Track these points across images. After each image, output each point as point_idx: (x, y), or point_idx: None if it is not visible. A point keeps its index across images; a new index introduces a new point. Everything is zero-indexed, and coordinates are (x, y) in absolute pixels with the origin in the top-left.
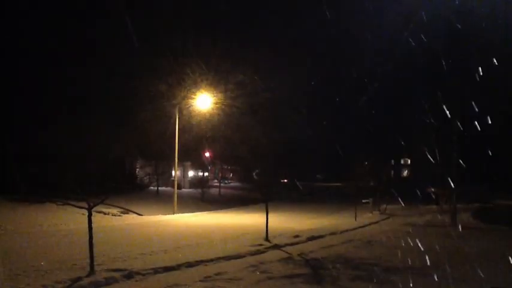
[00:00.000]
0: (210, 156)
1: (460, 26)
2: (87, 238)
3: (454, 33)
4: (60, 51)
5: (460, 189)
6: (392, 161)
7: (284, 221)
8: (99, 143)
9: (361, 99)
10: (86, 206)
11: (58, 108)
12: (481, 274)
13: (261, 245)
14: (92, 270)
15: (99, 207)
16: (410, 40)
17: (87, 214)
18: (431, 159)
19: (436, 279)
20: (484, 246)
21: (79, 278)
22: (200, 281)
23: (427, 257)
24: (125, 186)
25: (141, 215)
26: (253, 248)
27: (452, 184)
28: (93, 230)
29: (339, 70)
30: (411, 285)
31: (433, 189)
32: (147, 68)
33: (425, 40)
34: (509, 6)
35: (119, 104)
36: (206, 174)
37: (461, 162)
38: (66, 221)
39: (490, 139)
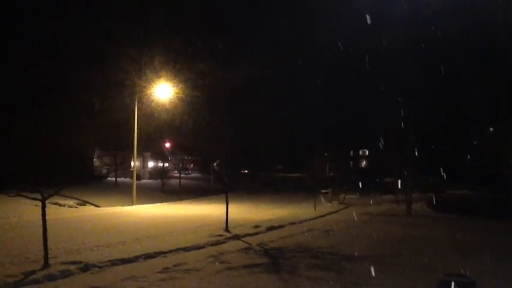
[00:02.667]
0: (170, 146)
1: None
2: (41, 230)
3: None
4: (13, 39)
5: (415, 180)
6: (351, 152)
7: (244, 212)
8: (55, 132)
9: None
10: (40, 197)
11: (12, 98)
12: (435, 261)
13: (220, 235)
14: (46, 263)
15: (54, 199)
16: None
17: (41, 206)
18: (388, 150)
19: (392, 266)
20: (437, 234)
21: (33, 272)
22: (158, 272)
23: (383, 245)
24: (82, 177)
25: (99, 206)
26: (213, 239)
27: (407, 175)
28: (48, 222)
29: (302, 62)
30: (367, 272)
31: (389, 180)
32: (105, 57)
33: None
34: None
35: (76, 93)
36: (166, 164)
37: (416, 153)
38: (19, 213)
39: (442, 132)
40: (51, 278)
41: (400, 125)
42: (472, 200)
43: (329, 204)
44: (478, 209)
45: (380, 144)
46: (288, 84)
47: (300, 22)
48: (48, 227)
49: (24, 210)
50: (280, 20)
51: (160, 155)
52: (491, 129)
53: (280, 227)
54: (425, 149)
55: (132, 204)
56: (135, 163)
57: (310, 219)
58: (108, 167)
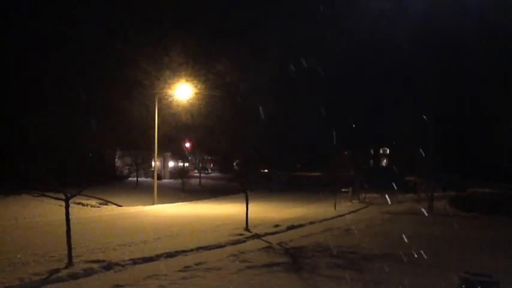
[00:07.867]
0: (190, 146)
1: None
2: (65, 230)
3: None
4: (36, 39)
5: (436, 178)
6: (372, 150)
7: (264, 211)
8: (77, 133)
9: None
10: (63, 197)
11: (34, 99)
12: (456, 260)
13: (241, 234)
14: (69, 262)
15: (77, 199)
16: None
17: (64, 205)
18: (409, 148)
19: (413, 266)
20: (459, 233)
21: (57, 270)
22: (179, 271)
23: (404, 245)
24: (104, 177)
25: (121, 206)
26: (233, 238)
27: (429, 173)
28: (71, 222)
29: (321, 60)
30: (388, 272)
31: (410, 178)
32: (126, 58)
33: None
34: None
35: (97, 94)
36: (186, 164)
37: (437, 151)
38: (44, 212)
39: (462, 131)
40: (74, 276)
41: (421, 122)
42: (494, 198)
43: (349, 203)
44: (501, 207)
45: (401, 142)
46: (306, 83)
47: (314, 20)
48: (71, 227)
49: (48, 210)
50: (297, 18)
51: (180, 155)
52: None
53: (300, 226)
54: (446, 147)
55: (153, 203)
56: (155, 163)
57: (330, 219)
58: (129, 167)
